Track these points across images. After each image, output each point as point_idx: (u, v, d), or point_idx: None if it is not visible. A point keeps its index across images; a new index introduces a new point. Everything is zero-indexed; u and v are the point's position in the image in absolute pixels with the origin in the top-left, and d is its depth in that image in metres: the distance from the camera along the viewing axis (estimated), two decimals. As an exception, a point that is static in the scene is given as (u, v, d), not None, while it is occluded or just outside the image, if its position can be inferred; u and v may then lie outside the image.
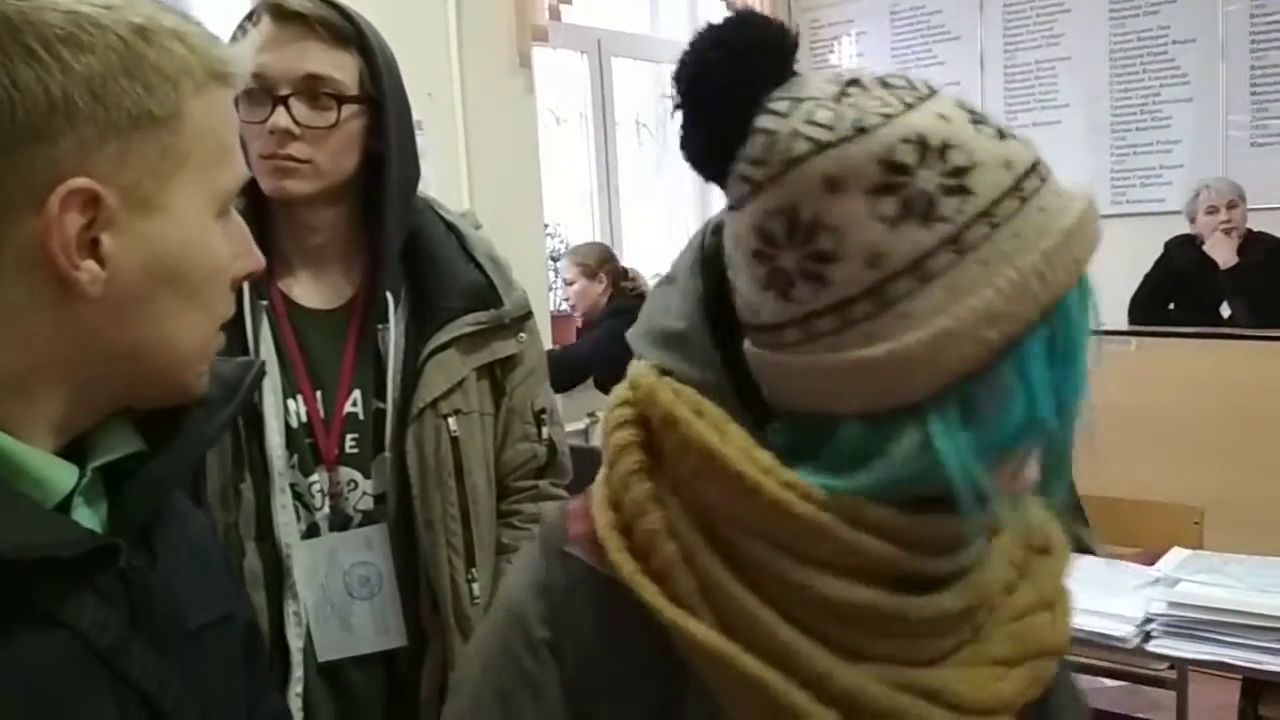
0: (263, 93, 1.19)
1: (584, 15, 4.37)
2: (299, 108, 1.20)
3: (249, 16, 1.22)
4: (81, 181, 0.59)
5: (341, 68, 1.22)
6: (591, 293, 3.84)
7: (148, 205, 0.62)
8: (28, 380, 0.62)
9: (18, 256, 0.59)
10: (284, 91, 1.19)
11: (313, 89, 1.20)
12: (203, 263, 0.65)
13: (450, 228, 1.35)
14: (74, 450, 0.66)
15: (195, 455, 0.76)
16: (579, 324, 4.01)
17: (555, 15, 3.95)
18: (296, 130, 1.20)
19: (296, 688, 1.23)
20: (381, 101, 1.25)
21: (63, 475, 0.64)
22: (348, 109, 1.22)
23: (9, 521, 0.58)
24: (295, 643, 1.24)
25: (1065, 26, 4.71)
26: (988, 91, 4.70)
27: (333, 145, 1.23)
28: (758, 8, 4.71)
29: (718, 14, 4.79)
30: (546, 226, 4.25)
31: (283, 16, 1.20)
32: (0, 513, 0.58)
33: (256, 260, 0.71)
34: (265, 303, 1.25)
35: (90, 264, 0.60)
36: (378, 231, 1.29)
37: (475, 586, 1.30)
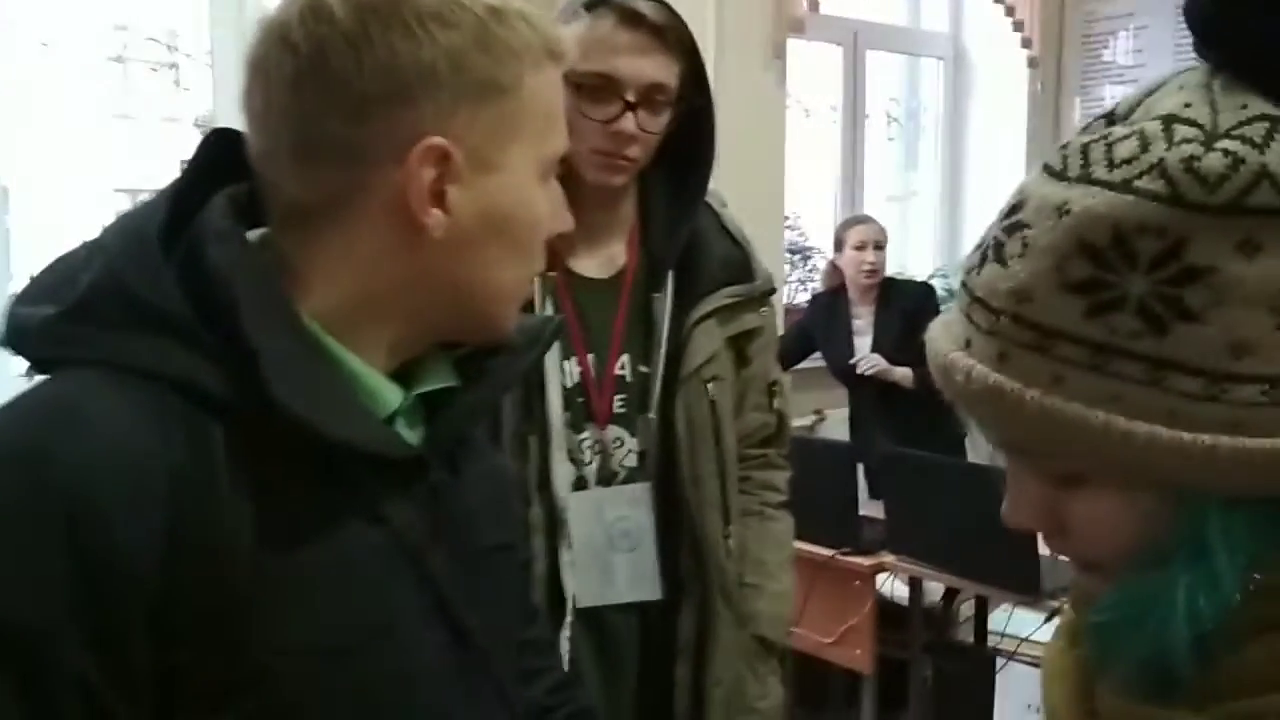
0: (609, 94, 1.28)
1: (842, 6, 4.32)
2: (641, 113, 1.29)
3: (586, 6, 1.29)
4: (438, 140, 0.68)
5: (673, 74, 1.31)
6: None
7: (487, 164, 0.70)
8: (375, 307, 0.72)
9: (383, 202, 0.69)
10: (632, 98, 1.28)
11: (652, 96, 1.29)
12: (527, 218, 0.74)
13: (707, 205, 1.43)
14: (401, 378, 0.76)
15: (499, 393, 0.86)
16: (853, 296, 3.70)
17: (814, 6, 3.93)
18: (639, 134, 1.29)
19: (567, 631, 1.33)
20: (707, 107, 1.35)
21: (391, 395, 0.74)
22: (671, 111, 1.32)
23: (352, 421, 0.69)
24: (570, 589, 1.33)
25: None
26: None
27: (653, 144, 1.33)
28: (1025, 5, 4.50)
29: (984, 8, 4.55)
30: (786, 219, 4.25)
31: (634, 23, 1.28)
32: (346, 413, 0.69)
33: (567, 221, 0.79)
34: (553, 274, 1.35)
35: (437, 212, 0.69)
36: (655, 208, 1.39)
37: (730, 542, 1.39)
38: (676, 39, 1.30)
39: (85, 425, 0.63)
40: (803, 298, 4.23)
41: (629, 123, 1.27)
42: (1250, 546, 0.52)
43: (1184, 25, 0.56)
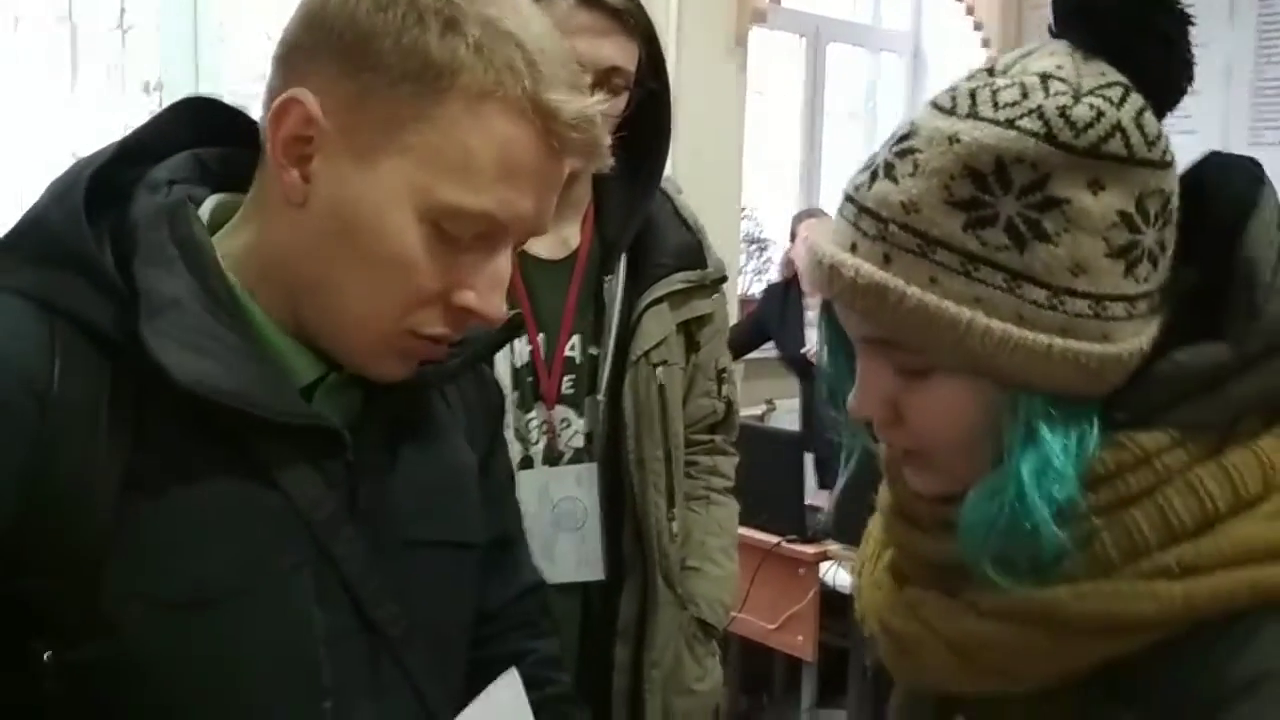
0: None
1: (804, 0, 4.33)
2: (598, 95, 1.26)
3: None
4: (300, 93, 0.66)
5: (631, 57, 1.30)
6: None
7: (359, 155, 0.66)
8: (268, 265, 0.71)
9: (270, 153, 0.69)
10: (589, 80, 1.24)
11: (609, 78, 1.28)
12: (376, 238, 0.66)
13: (662, 191, 1.43)
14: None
15: (442, 380, 0.81)
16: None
17: (776, -2, 3.93)
18: None
19: None
20: (662, 92, 1.34)
21: (304, 364, 0.72)
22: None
23: (240, 379, 0.66)
24: None
25: (1328, 37, 4.32)
26: (1233, 106, 4.33)
27: (609, 127, 1.30)
28: (985, 6, 4.54)
29: (944, 7, 4.56)
30: (744, 209, 4.27)
31: (593, 4, 1.26)
32: (237, 370, 0.66)
33: (493, 311, 0.70)
34: None
35: (295, 173, 0.68)
36: (610, 192, 1.39)
37: (674, 525, 1.40)
38: (635, 22, 1.29)
39: None
40: (758, 288, 4.25)
41: None
42: (1075, 435, 0.62)
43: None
